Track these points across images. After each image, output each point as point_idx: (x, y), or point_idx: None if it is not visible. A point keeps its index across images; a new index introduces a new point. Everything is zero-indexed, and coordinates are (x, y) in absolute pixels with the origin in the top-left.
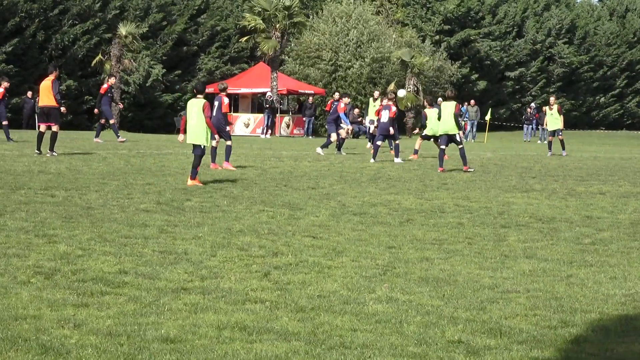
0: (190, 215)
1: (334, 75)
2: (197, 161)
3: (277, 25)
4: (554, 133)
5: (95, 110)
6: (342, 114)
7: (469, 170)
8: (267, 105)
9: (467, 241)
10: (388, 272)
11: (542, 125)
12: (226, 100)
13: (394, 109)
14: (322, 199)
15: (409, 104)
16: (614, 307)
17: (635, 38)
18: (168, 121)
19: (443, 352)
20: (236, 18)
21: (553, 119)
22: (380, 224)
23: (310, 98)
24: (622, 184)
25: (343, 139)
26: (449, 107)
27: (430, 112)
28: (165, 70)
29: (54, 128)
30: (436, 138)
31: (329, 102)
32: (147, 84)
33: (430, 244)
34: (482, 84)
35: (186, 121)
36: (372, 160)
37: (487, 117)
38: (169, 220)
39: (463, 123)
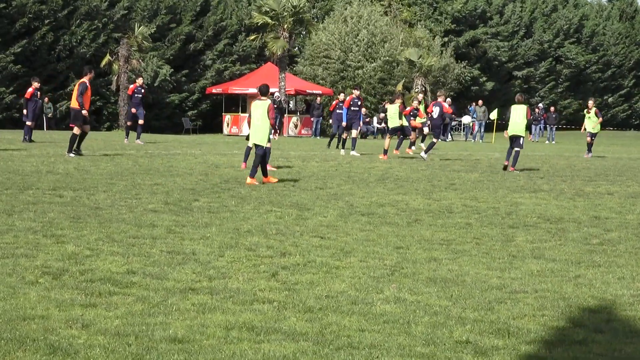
0: (198, 215)
1: (342, 74)
2: (257, 160)
3: (285, 26)
4: (593, 135)
5: (133, 110)
6: (345, 110)
7: (514, 171)
8: (275, 106)
9: (475, 241)
10: (396, 273)
11: (551, 125)
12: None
13: (446, 105)
14: (330, 199)
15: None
16: (621, 307)
17: None
18: (176, 121)
19: (451, 352)
20: (240, 16)
21: (591, 122)
22: (388, 224)
23: (318, 98)
24: (631, 184)
25: (345, 139)
26: (519, 110)
27: (391, 108)
28: (172, 70)
29: (75, 130)
30: (394, 131)
31: (334, 102)
32: (155, 84)
33: (438, 244)
34: (489, 85)
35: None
36: (424, 156)
37: (493, 116)
38: (177, 220)
39: (471, 123)
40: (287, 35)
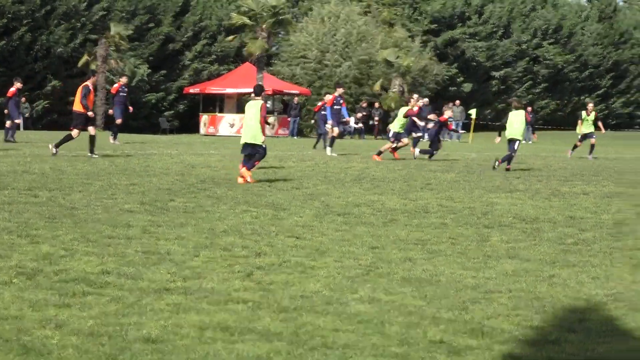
0: (173, 215)
1: (319, 74)
2: (259, 157)
3: (264, 26)
4: (586, 136)
5: (110, 111)
6: (328, 109)
7: (509, 169)
8: None
9: (451, 241)
10: (371, 273)
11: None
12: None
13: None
14: (306, 200)
15: (392, 104)
16: (595, 307)
17: (622, 39)
18: (153, 121)
19: (425, 352)
20: (219, 16)
21: (589, 125)
22: (363, 224)
23: (296, 98)
24: (606, 184)
25: (333, 138)
26: (518, 116)
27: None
28: (150, 70)
29: (73, 133)
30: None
31: (319, 104)
32: (132, 84)
33: (413, 244)
34: (467, 87)
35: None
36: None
37: (472, 115)
38: (153, 220)
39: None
40: (266, 35)
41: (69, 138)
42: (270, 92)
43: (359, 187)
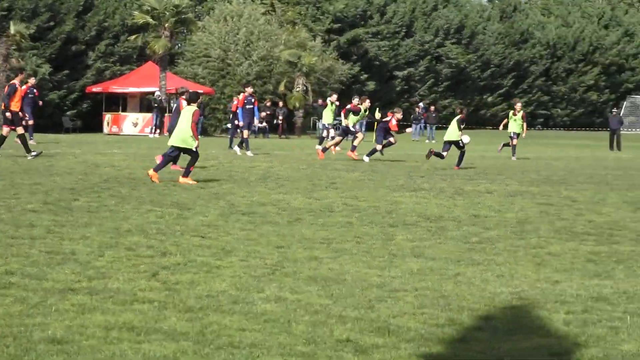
0: (77, 215)
1: (222, 73)
2: (192, 161)
3: (167, 25)
4: (516, 135)
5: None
6: (240, 109)
7: (459, 169)
8: (156, 105)
9: (356, 240)
10: (277, 272)
11: (430, 124)
12: (184, 104)
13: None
14: (211, 199)
15: (297, 104)
16: (500, 305)
17: (523, 38)
18: (56, 121)
19: (331, 351)
20: (123, 15)
21: (516, 124)
22: (269, 224)
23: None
24: (510, 182)
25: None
26: (453, 121)
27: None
28: (52, 69)
29: (18, 130)
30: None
31: (235, 103)
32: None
33: (319, 243)
34: (371, 85)
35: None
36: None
37: (377, 115)
38: (56, 220)
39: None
40: (169, 34)
41: (23, 138)
42: (173, 92)
43: (264, 187)
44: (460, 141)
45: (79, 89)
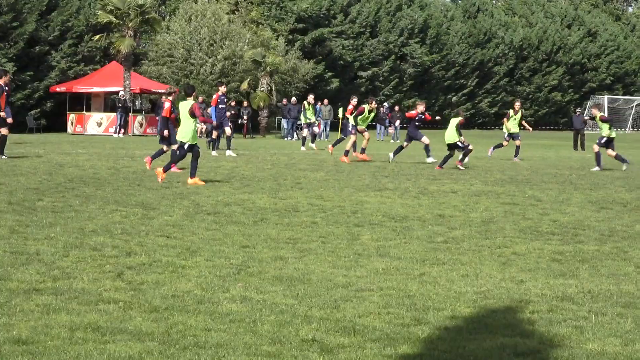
0: (42, 215)
1: (185, 72)
2: (194, 161)
3: (130, 24)
4: (512, 136)
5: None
6: (213, 108)
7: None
8: (120, 104)
9: (321, 240)
10: (242, 272)
11: (395, 124)
12: (167, 105)
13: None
14: (176, 199)
15: (261, 103)
16: (465, 304)
17: (486, 38)
18: (20, 120)
19: (297, 350)
20: (87, 15)
21: (515, 125)
22: (234, 223)
23: (163, 97)
24: (474, 182)
25: (215, 139)
26: (454, 124)
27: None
28: (16, 69)
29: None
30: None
31: (214, 98)
32: None
33: (284, 243)
34: (335, 82)
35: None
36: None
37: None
38: (21, 220)
39: (317, 122)
40: (132, 34)
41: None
42: (137, 91)
43: (228, 186)
44: (459, 142)
45: (43, 89)
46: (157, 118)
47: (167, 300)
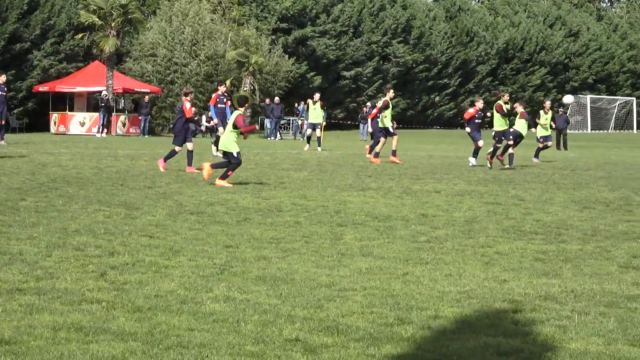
0: (25, 215)
1: (168, 72)
2: (232, 166)
3: (113, 24)
4: (548, 138)
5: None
6: (212, 107)
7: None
8: (103, 104)
9: (304, 240)
10: (225, 271)
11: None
12: (187, 105)
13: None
14: (159, 198)
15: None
16: (449, 304)
17: (468, 38)
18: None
19: (280, 350)
20: (69, 14)
21: (546, 126)
22: (217, 223)
23: (147, 97)
24: (457, 182)
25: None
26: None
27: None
28: None
29: None
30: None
31: (213, 97)
32: None
33: (267, 243)
34: (317, 79)
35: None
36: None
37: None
38: (3, 220)
39: (300, 122)
40: (115, 33)
41: None
42: (120, 91)
43: (211, 186)
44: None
45: (25, 88)
46: (140, 118)
47: (150, 300)
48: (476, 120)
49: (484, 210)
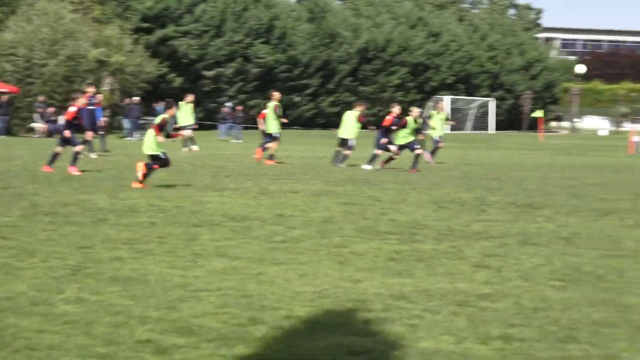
0: None
1: (28, 72)
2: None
3: None
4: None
5: None
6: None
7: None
8: None
9: (159, 240)
10: (79, 273)
11: (237, 124)
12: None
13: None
14: (14, 199)
15: (105, 103)
16: (302, 304)
17: (331, 38)
18: None
19: (131, 351)
20: None
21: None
22: (72, 224)
23: (5, 97)
24: (315, 182)
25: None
26: (351, 115)
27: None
28: None
29: None
30: None
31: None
32: None
33: (122, 244)
34: (178, 81)
35: None
36: None
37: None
38: None
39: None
40: None
41: None
42: None
43: (68, 187)
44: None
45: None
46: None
47: (0, 302)
48: (392, 127)
49: (341, 211)
